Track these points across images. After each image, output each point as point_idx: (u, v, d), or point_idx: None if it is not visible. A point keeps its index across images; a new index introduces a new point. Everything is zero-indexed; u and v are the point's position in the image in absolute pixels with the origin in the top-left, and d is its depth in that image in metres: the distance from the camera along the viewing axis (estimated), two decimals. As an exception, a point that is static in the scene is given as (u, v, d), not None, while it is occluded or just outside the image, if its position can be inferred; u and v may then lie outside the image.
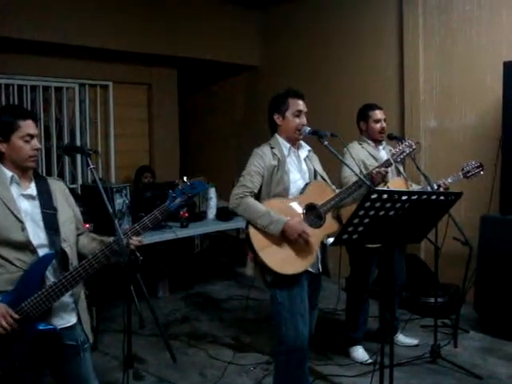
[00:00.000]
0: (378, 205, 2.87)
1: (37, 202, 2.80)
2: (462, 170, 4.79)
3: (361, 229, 2.98)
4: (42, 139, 6.76)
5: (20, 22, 6.03)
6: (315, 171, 3.78)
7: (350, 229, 2.98)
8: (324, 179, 3.82)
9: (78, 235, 3.01)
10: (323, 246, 3.70)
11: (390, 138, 4.92)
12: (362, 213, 2.90)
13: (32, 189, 2.83)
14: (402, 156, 3.89)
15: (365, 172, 3.99)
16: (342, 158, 3.72)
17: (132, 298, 2.80)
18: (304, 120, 3.66)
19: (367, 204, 2.85)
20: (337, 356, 4.90)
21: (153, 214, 2.79)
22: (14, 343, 2.62)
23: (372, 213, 2.90)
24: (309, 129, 3.64)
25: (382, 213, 2.92)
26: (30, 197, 2.79)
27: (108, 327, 5.42)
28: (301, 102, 3.70)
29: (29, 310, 2.62)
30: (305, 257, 3.51)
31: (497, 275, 5.16)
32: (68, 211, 2.93)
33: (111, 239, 2.73)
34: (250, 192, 3.55)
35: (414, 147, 3.92)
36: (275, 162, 3.59)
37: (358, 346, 4.86)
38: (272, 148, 3.66)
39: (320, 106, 7.28)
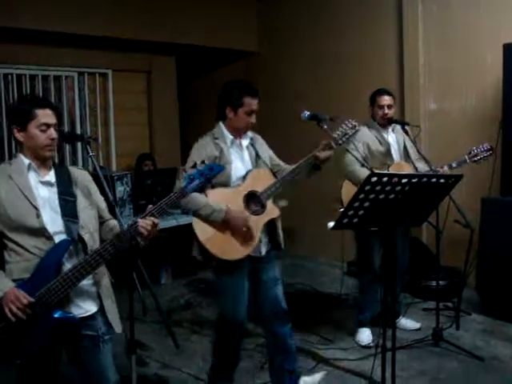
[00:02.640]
0: (378, 188, 2.87)
1: (55, 189, 2.82)
2: (470, 153, 4.81)
3: (361, 212, 2.98)
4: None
5: (18, 11, 6.02)
6: (257, 157, 3.82)
7: (351, 212, 2.97)
8: (268, 162, 3.85)
9: (101, 224, 3.02)
10: (272, 225, 3.80)
11: (391, 121, 4.92)
12: (362, 196, 2.89)
13: (51, 176, 2.85)
14: (344, 138, 3.82)
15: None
16: (339, 142, 3.73)
17: (134, 284, 2.80)
18: (254, 119, 3.70)
19: (367, 187, 2.85)
20: (340, 340, 4.92)
21: (169, 197, 2.81)
22: (32, 329, 2.64)
23: (372, 196, 2.90)
24: (308, 113, 3.64)
25: (382, 196, 2.92)
26: (48, 183, 2.82)
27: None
28: (256, 101, 3.69)
29: (46, 297, 2.63)
30: (246, 243, 3.62)
31: (498, 257, 5.17)
32: (89, 199, 2.94)
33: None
34: None
35: (356, 128, 3.88)
36: (217, 153, 3.66)
37: (365, 329, 4.89)
38: (215, 139, 3.71)
39: (320, 90, 7.29)
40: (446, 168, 4.72)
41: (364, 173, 4.58)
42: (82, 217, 2.84)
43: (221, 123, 3.77)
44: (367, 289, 4.96)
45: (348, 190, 4.72)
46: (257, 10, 8.39)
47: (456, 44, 6.14)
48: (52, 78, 7.26)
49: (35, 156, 2.80)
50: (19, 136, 2.78)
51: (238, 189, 3.68)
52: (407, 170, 4.77)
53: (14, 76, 6.88)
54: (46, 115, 2.76)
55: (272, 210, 3.73)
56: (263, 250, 3.79)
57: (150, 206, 2.79)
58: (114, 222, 3.03)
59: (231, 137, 3.74)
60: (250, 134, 3.83)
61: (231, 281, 3.69)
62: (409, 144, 4.96)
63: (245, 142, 3.81)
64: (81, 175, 2.99)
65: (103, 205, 3.05)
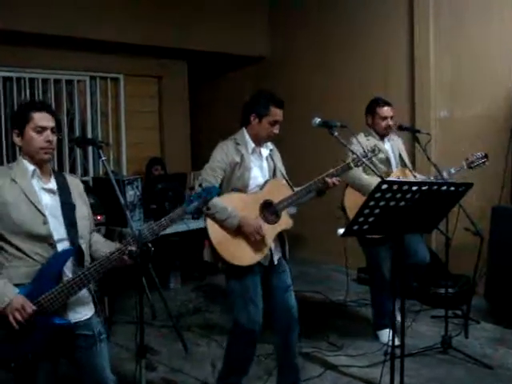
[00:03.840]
0: (388, 195, 2.88)
1: (57, 197, 2.83)
2: (467, 159, 4.89)
3: (371, 219, 2.99)
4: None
5: (30, 15, 6.06)
6: (275, 169, 3.87)
7: (361, 219, 2.98)
8: (284, 177, 3.91)
9: (90, 233, 3.04)
10: (281, 237, 3.85)
11: (401, 128, 4.94)
12: (372, 203, 2.90)
13: (52, 183, 2.86)
14: (363, 160, 3.81)
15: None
16: (351, 148, 3.75)
17: (144, 289, 2.82)
18: (277, 130, 3.74)
19: (378, 195, 2.86)
20: (348, 347, 4.92)
21: (170, 215, 2.83)
22: (28, 335, 2.65)
23: (383, 203, 2.91)
24: (319, 120, 3.65)
25: (392, 203, 2.93)
26: (50, 191, 2.83)
27: (120, 319, 5.46)
28: (280, 113, 3.74)
29: (45, 304, 2.65)
30: (257, 251, 3.67)
31: (508, 266, 5.15)
32: (84, 208, 2.96)
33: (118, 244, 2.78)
34: None
35: (376, 152, 3.97)
36: (238, 159, 3.70)
37: (387, 329, 4.86)
38: (237, 144, 3.75)
39: (329, 95, 7.30)
40: (445, 174, 4.79)
41: (367, 180, 4.64)
42: (80, 226, 2.86)
43: (244, 129, 3.81)
44: (380, 296, 4.98)
45: (351, 198, 4.81)
46: (268, 16, 8.42)
47: (467, 52, 6.14)
48: (64, 82, 7.30)
49: (33, 160, 2.80)
50: (18, 140, 2.80)
51: (255, 196, 3.72)
52: (411, 176, 4.80)
53: (27, 80, 6.93)
54: (42, 118, 2.77)
55: (286, 221, 3.77)
56: (275, 259, 3.81)
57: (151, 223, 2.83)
58: (97, 235, 3.10)
59: (253, 144, 3.78)
60: (270, 145, 3.88)
61: (243, 286, 3.70)
62: (404, 154, 5.05)
63: (265, 152, 3.85)
64: (76, 184, 3.02)
65: (91, 214, 3.08)
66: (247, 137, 3.78)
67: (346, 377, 4.38)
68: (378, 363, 4.32)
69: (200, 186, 2.99)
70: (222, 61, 8.75)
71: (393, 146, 5.02)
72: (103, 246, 2.97)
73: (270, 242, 3.70)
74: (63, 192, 2.86)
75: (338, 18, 7.42)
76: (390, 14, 6.87)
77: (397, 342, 3.29)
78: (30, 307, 2.60)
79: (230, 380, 3.91)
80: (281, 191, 3.74)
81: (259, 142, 3.79)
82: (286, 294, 3.86)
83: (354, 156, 3.79)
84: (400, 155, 5.03)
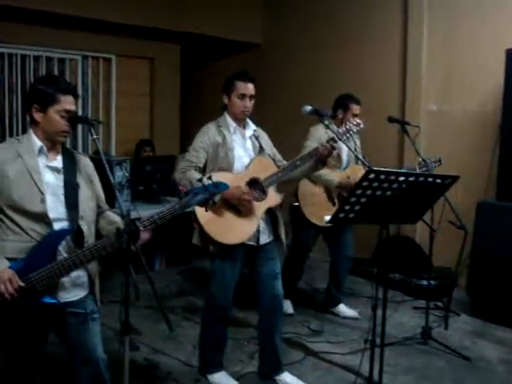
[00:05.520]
0: (375, 184, 2.91)
1: (61, 176, 2.81)
2: (420, 164, 4.95)
3: (358, 208, 3.02)
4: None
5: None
6: (261, 149, 3.93)
7: (347, 207, 3.02)
8: (271, 156, 3.96)
9: (98, 215, 3.01)
10: (274, 216, 3.92)
11: (391, 120, 4.95)
12: (359, 192, 2.94)
13: (58, 161, 2.84)
14: (349, 134, 3.89)
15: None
16: (342, 138, 3.77)
17: (129, 269, 2.82)
18: (247, 103, 3.82)
19: (365, 183, 2.90)
20: (328, 334, 4.98)
21: (172, 206, 2.83)
22: (15, 313, 2.65)
23: (369, 192, 2.95)
24: (309, 107, 3.67)
25: (379, 192, 2.96)
26: (55, 169, 2.81)
27: (104, 298, 5.45)
28: (247, 85, 3.83)
29: (35, 282, 2.64)
30: (244, 228, 3.73)
31: (490, 260, 5.22)
32: (90, 189, 2.94)
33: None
34: (194, 166, 3.76)
35: (361, 126, 3.95)
36: (220, 139, 3.80)
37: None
38: (219, 126, 3.86)
39: (322, 84, 7.31)
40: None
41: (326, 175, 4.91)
42: (83, 207, 2.83)
43: (225, 113, 3.91)
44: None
45: (304, 188, 5.09)
46: (263, 3, 8.40)
47: (459, 47, 6.18)
48: (56, 61, 7.27)
49: (47, 139, 2.79)
50: (38, 116, 2.76)
51: (240, 174, 3.77)
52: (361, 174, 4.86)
53: (19, 56, 6.89)
54: (68, 102, 2.77)
55: (273, 198, 3.82)
56: (261, 240, 3.86)
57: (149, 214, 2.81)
58: (112, 216, 3.03)
59: (234, 124, 3.87)
60: (253, 125, 3.96)
61: (222, 265, 3.82)
62: (359, 149, 5.16)
63: (248, 132, 3.93)
64: (85, 163, 2.99)
65: (102, 195, 3.06)
66: (228, 118, 3.90)
67: (326, 363, 4.43)
68: (358, 351, 4.37)
69: (209, 178, 2.99)
70: (215, 46, 8.72)
71: (349, 143, 5.07)
72: (106, 233, 2.91)
73: (258, 219, 3.76)
74: (69, 171, 2.83)
75: (333, 7, 7.42)
76: (384, 5, 6.89)
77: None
78: (17, 282, 2.59)
79: (210, 357, 4.03)
80: (266, 168, 3.81)
81: (239, 120, 3.89)
82: (274, 282, 3.93)
83: (342, 129, 3.85)
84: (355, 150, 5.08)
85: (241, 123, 3.91)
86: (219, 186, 2.89)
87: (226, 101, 3.87)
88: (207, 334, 4.02)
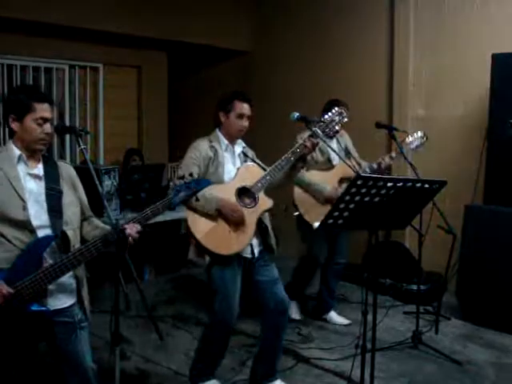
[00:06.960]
0: (363, 190, 2.92)
1: (42, 183, 2.81)
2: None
3: (346, 214, 3.03)
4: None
5: (9, 1, 5.96)
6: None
7: (336, 213, 3.03)
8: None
9: (83, 220, 3.02)
10: (263, 230, 3.89)
11: (378, 126, 4.98)
12: (347, 198, 2.95)
13: (39, 169, 2.84)
14: (332, 124, 3.87)
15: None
16: (329, 144, 3.79)
17: (119, 278, 2.82)
18: (245, 123, 3.86)
19: (353, 189, 2.91)
20: (319, 340, 4.98)
21: (155, 206, 2.81)
22: (3, 321, 2.63)
23: (358, 198, 2.96)
24: (297, 114, 3.69)
25: (367, 198, 2.98)
26: (36, 176, 2.81)
27: (94, 307, 5.43)
28: (246, 106, 3.86)
29: (23, 290, 2.63)
30: (240, 237, 3.72)
31: (479, 264, 5.23)
32: (74, 194, 2.94)
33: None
34: None
35: (343, 115, 3.93)
36: (211, 154, 3.82)
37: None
38: (210, 142, 3.87)
39: (310, 92, 7.32)
40: (393, 154, 5.11)
41: (309, 180, 4.96)
42: (67, 213, 2.83)
43: (217, 130, 3.93)
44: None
45: (300, 194, 5.08)
46: (254, 11, 8.39)
47: (446, 52, 6.22)
48: (43, 70, 7.23)
49: (26, 147, 2.79)
50: (15, 126, 2.77)
51: (228, 185, 3.77)
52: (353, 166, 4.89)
53: (5, 66, 6.86)
54: (43, 110, 2.76)
55: (264, 202, 3.81)
56: (256, 251, 3.86)
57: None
58: (97, 221, 3.05)
59: (226, 142, 3.90)
60: (242, 143, 4.00)
61: (223, 279, 3.76)
62: (350, 147, 5.25)
63: (238, 149, 3.96)
64: (67, 170, 2.99)
65: (86, 201, 3.07)
66: (220, 135, 3.91)
67: (318, 369, 4.42)
68: (349, 356, 4.37)
69: (191, 175, 2.97)
70: (203, 54, 8.71)
71: (340, 143, 5.16)
72: (91, 237, 2.89)
73: (253, 227, 3.74)
74: (50, 178, 2.83)
75: (321, 16, 7.44)
76: (370, 13, 6.93)
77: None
78: (6, 290, 2.58)
79: (204, 369, 3.95)
80: (253, 175, 3.81)
81: (232, 138, 3.91)
82: (276, 286, 3.89)
83: (324, 119, 3.85)
84: (347, 148, 5.16)
85: (233, 141, 3.92)
86: (200, 183, 2.91)
87: (223, 119, 3.87)
88: (207, 349, 3.93)
